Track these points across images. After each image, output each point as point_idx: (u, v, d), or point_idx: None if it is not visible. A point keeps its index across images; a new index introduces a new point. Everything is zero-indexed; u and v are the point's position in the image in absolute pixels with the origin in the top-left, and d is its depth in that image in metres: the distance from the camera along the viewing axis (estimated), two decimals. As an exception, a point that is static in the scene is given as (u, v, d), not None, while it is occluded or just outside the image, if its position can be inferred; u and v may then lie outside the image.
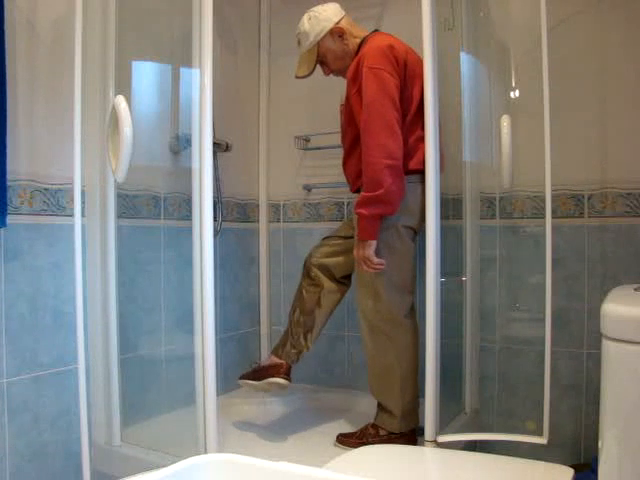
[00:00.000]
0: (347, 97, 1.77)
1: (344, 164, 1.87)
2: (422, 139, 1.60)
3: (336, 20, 1.80)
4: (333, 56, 1.83)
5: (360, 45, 1.79)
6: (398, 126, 1.62)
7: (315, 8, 1.84)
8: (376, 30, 1.86)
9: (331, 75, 1.92)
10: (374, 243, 1.66)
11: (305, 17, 1.84)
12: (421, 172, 1.62)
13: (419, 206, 1.69)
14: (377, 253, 1.69)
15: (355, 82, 1.69)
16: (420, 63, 1.67)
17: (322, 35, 1.80)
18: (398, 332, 1.74)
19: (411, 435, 1.75)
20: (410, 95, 1.69)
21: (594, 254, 1.87)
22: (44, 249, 1.61)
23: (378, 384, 1.79)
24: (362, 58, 1.68)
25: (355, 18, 1.91)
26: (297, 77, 1.90)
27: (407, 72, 1.68)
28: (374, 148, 1.61)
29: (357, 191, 1.85)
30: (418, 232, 1.76)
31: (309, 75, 1.91)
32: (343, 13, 1.84)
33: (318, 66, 1.89)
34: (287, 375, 1.88)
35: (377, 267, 1.68)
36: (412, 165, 1.69)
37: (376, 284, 1.73)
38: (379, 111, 1.61)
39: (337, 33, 1.80)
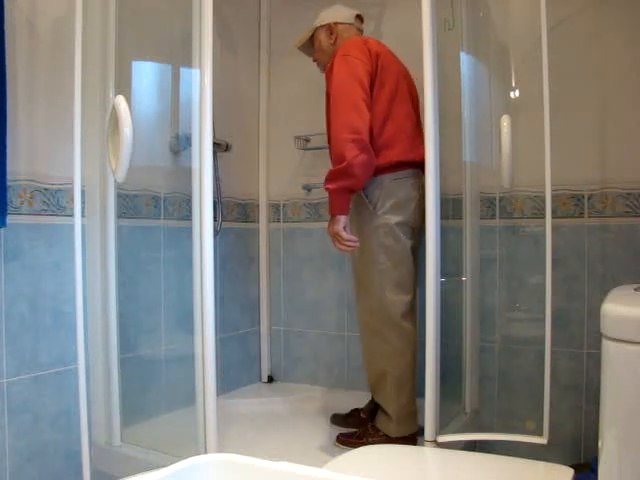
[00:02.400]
0: (326, 92, 1.84)
1: (330, 159, 1.89)
2: (404, 131, 1.69)
3: (337, 20, 1.93)
4: (318, 45, 1.98)
5: None
6: (365, 105, 1.67)
7: (338, 5, 1.98)
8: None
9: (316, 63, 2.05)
10: (343, 218, 1.68)
11: (330, 5, 1.99)
12: (409, 166, 1.69)
13: (411, 202, 1.71)
14: (372, 253, 1.71)
15: (330, 72, 1.76)
16: (395, 62, 1.82)
17: (320, 24, 1.96)
18: (393, 335, 1.73)
19: (410, 438, 1.74)
20: (383, 84, 1.74)
21: (594, 254, 1.87)
22: (44, 249, 1.61)
23: (375, 385, 1.79)
24: (337, 50, 1.78)
25: (355, 18, 1.93)
26: (295, 45, 2.06)
27: (380, 63, 1.76)
28: (339, 125, 1.67)
29: None
30: (416, 229, 1.77)
31: (303, 50, 2.05)
32: (350, 21, 1.94)
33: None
34: None
35: (348, 244, 1.69)
36: (394, 156, 1.71)
37: (373, 284, 1.74)
38: (345, 91, 1.68)
39: (329, 29, 1.93)
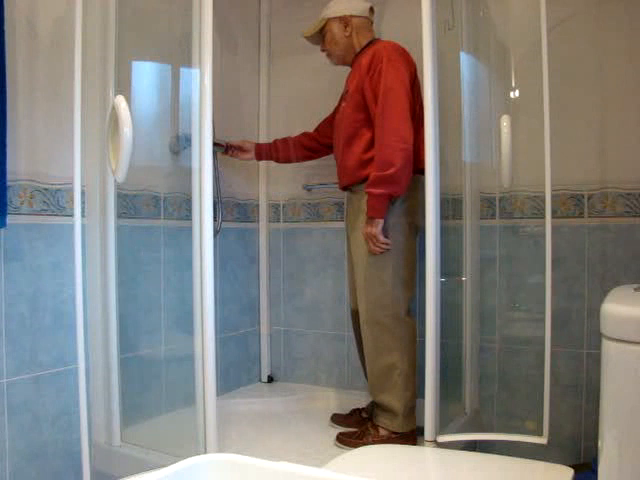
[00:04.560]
0: (356, 85, 1.83)
1: (344, 154, 1.89)
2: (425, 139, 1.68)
3: (352, 13, 1.92)
4: (330, 37, 1.95)
5: (367, 45, 1.89)
6: (410, 115, 1.71)
7: None
8: (378, 39, 1.94)
9: (325, 54, 2.03)
10: (381, 222, 1.72)
11: None
12: (421, 171, 1.67)
13: (420, 204, 1.73)
14: (389, 250, 1.75)
15: (370, 71, 1.77)
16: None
17: (333, 15, 1.93)
18: (401, 329, 1.77)
19: (411, 435, 1.75)
20: (416, 94, 1.78)
21: (594, 254, 1.87)
22: (44, 249, 1.61)
23: (379, 383, 1.79)
24: (379, 51, 1.78)
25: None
26: (303, 35, 2.04)
27: (415, 74, 1.80)
28: (390, 131, 1.70)
29: (346, 188, 1.94)
30: (419, 228, 1.80)
31: (310, 39, 2.03)
32: (365, 14, 1.93)
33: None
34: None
35: (382, 246, 1.73)
36: (417, 163, 1.74)
37: (385, 279, 1.76)
38: (396, 98, 1.71)
39: (344, 22, 1.92)
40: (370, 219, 1.73)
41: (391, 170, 1.66)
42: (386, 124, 1.70)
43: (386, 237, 1.74)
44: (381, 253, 1.75)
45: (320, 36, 1.99)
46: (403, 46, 1.81)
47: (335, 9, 1.93)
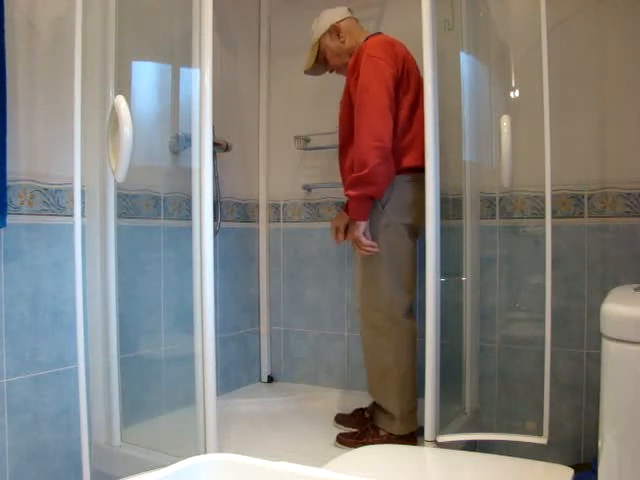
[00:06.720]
0: (347, 88, 1.82)
1: (341, 158, 1.89)
2: (417, 137, 1.66)
3: (337, 19, 1.89)
4: (331, 53, 1.92)
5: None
6: (390, 112, 1.66)
7: (325, 10, 1.93)
8: (379, 32, 1.90)
9: (334, 73, 2.02)
10: (363, 224, 1.70)
11: (315, 19, 1.94)
12: (416, 170, 1.67)
13: (418, 204, 1.72)
14: (381, 251, 1.73)
15: (354, 71, 1.74)
16: (416, 67, 1.76)
17: (322, 33, 1.91)
18: (397, 332, 1.75)
19: (411, 436, 1.75)
20: (407, 89, 1.74)
21: (594, 254, 1.87)
22: (44, 249, 1.61)
23: (377, 385, 1.79)
24: (363, 49, 1.74)
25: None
26: (304, 72, 2.01)
27: (405, 67, 1.74)
28: (365, 131, 1.65)
29: None
30: (418, 230, 1.77)
31: (313, 72, 2.00)
32: (347, 15, 1.92)
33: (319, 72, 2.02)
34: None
35: (368, 249, 1.71)
36: (408, 162, 1.72)
37: (380, 281, 1.75)
38: (372, 96, 1.66)
39: (335, 31, 1.89)
40: (352, 222, 1.71)
41: (365, 170, 1.62)
42: (362, 123, 1.66)
43: (375, 239, 1.72)
44: (369, 256, 1.72)
45: (321, 64, 1.96)
46: (399, 42, 1.78)
47: (320, 27, 1.91)
